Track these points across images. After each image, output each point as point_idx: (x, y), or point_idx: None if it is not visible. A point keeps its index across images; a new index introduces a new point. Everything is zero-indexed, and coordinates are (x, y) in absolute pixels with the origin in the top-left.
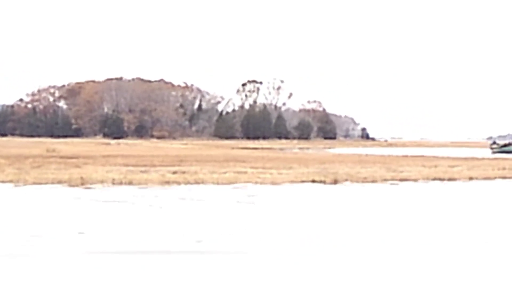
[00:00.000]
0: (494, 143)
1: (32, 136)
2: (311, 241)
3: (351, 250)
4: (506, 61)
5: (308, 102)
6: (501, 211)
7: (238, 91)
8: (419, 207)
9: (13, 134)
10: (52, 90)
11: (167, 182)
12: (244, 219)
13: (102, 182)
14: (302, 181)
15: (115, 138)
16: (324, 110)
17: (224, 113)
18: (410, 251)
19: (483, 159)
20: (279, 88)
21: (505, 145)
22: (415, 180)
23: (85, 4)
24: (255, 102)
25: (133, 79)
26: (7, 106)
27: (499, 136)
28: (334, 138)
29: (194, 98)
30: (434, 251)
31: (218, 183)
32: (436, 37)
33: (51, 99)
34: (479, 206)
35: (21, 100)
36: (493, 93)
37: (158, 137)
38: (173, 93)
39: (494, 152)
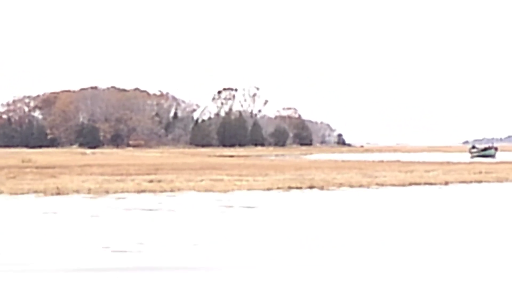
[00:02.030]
0: (473, 147)
1: (7, 146)
2: (298, 249)
3: (340, 256)
4: (481, 68)
5: (284, 109)
6: (475, 214)
7: (213, 98)
8: (394, 213)
9: None
10: (27, 101)
11: (143, 191)
12: (226, 228)
13: (78, 191)
14: (279, 188)
15: (91, 147)
16: (299, 116)
17: (199, 121)
18: (390, 257)
19: (459, 163)
20: (254, 95)
21: (484, 149)
22: (391, 185)
23: (57, 15)
24: (230, 109)
25: (108, 88)
26: None
27: (475, 140)
28: (310, 144)
29: (170, 106)
30: (418, 255)
31: (194, 191)
32: (412, 45)
33: (26, 109)
34: (454, 210)
35: None
36: (468, 98)
37: (134, 146)
38: (149, 101)
39: (473, 157)
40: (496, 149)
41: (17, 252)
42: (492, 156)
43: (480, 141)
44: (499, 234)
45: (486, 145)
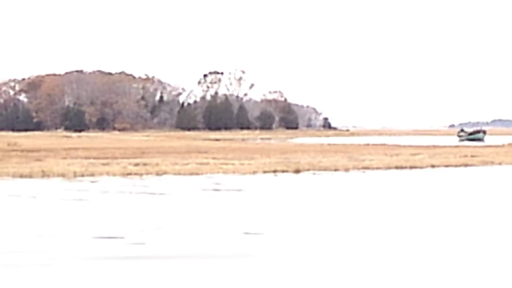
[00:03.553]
0: (462, 130)
1: None
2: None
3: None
4: (467, 52)
5: (270, 92)
6: (459, 198)
7: (199, 82)
8: (377, 196)
9: None
10: (12, 84)
11: (129, 174)
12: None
13: (63, 175)
14: (264, 171)
15: (76, 131)
16: (285, 100)
17: (185, 104)
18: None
19: (445, 147)
20: (240, 78)
21: (472, 133)
22: (377, 169)
23: None
24: (216, 93)
25: (93, 72)
26: None
27: (461, 124)
28: (296, 128)
29: (155, 90)
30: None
31: (180, 174)
32: (396, 26)
33: (12, 92)
34: (437, 193)
35: None
36: (454, 82)
37: (120, 130)
38: (134, 85)
39: (461, 140)
40: (484, 132)
41: None
42: (481, 139)
43: (466, 124)
44: (481, 216)
45: (475, 129)
